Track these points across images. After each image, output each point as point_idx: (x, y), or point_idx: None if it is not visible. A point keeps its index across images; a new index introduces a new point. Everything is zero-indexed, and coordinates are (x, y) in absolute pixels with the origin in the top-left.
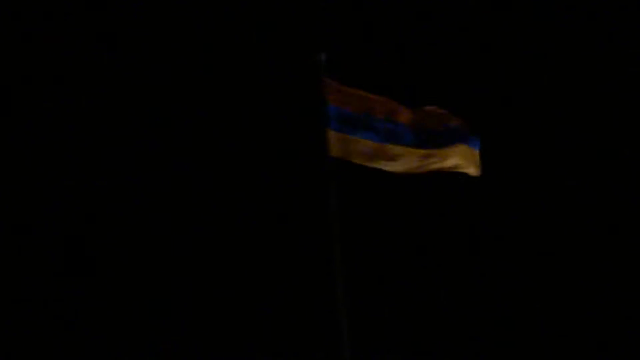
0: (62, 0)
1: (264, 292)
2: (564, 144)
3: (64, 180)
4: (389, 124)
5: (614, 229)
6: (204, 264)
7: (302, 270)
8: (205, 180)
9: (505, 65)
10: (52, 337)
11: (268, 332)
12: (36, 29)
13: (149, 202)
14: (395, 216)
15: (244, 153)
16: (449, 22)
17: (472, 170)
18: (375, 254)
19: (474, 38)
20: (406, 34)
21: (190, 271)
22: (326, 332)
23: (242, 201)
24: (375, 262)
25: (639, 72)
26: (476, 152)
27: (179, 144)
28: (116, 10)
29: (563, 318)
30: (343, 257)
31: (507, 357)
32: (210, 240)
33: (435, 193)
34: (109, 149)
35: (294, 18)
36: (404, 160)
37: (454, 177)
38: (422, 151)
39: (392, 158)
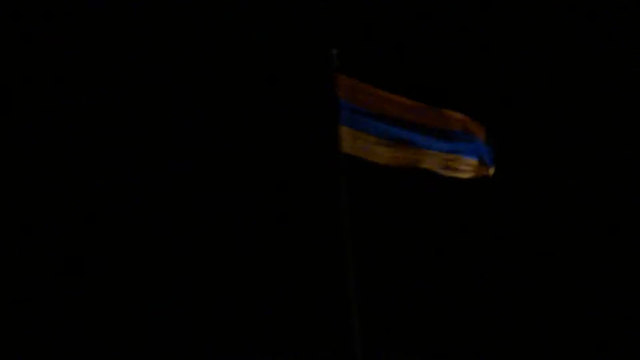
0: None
1: (274, 289)
2: (564, 144)
3: (64, 180)
4: (401, 123)
5: (614, 229)
6: (213, 260)
7: (313, 266)
8: (214, 176)
9: (515, 64)
10: (52, 337)
11: (278, 328)
12: (36, 29)
13: (159, 201)
14: (407, 213)
15: (255, 149)
16: (464, 18)
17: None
18: (386, 250)
19: (489, 36)
20: (420, 31)
21: (201, 267)
22: (337, 327)
23: (253, 197)
24: (386, 258)
25: (639, 72)
26: (490, 169)
27: (189, 139)
28: (122, 8)
29: (572, 317)
30: (354, 253)
31: (517, 352)
32: (220, 236)
33: (447, 189)
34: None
35: (307, 13)
36: (416, 161)
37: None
38: (434, 153)
39: (403, 157)
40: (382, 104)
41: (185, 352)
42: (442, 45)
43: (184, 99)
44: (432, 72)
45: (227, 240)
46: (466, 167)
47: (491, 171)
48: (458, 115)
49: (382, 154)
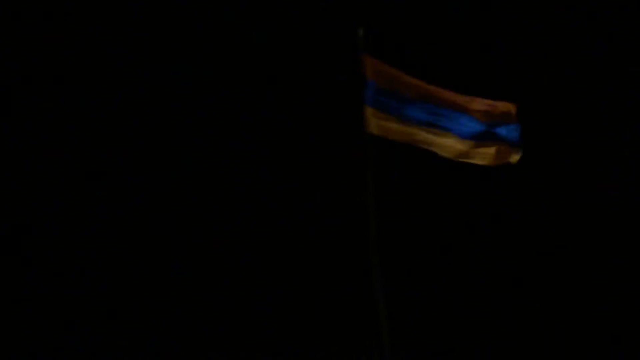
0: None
1: (299, 274)
2: (564, 144)
3: (64, 180)
4: (428, 107)
5: (615, 229)
6: (235, 240)
7: (338, 250)
8: (239, 160)
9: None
10: (53, 337)
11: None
12: (36, 28)
13: (183, 190)
14: (434, 196)
15: (281, 130)
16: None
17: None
18: (412, 232)
19: (518, 22)
20: (450, 14)
21: (225, 248)
22: (362, 312)
23: (279, 178)
24: (411, 240)
25: (639, 72)
26: (515, 154)
27: (216, 123)
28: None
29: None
30: (379, 234)
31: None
32: (242, 219)
33: (476, 172)
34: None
35: None
36: (441, 145)
37: None
38: (460, 139)
39: (429, 141)
40: (409, 87)
41: (189, 353)
42: (472, 28)
43: (203, 85)
44: (459, 58)
45: (248, 222)
46: (490, 154)
47: (516, 157)
48: (485, 101)
49: (408, 136)
